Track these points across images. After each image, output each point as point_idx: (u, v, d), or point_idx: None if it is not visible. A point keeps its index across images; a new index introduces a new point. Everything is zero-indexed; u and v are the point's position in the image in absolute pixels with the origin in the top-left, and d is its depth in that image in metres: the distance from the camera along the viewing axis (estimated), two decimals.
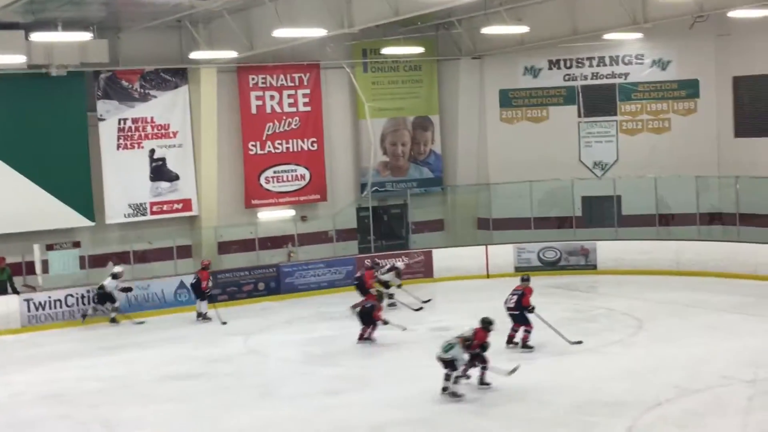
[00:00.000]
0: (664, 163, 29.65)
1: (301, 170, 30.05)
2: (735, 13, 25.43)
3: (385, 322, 21.37)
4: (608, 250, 28.75)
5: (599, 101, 30.97)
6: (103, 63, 26.12)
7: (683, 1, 24.08)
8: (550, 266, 28.93)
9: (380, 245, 30.22)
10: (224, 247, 28.81)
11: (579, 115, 31.13)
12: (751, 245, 26.85)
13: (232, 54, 25.09)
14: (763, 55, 28.52)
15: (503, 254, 29.06)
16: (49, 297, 25.03)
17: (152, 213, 27.82)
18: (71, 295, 25.19)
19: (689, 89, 30.31)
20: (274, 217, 29.71)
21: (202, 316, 24.90)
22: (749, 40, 28.66)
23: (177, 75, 27.93)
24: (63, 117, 26.44)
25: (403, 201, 31.50)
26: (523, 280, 20.63)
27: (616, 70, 30.75)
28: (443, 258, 29.19)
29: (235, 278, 27.15)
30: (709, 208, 29.06)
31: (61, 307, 25.03)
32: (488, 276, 28.80)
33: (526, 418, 15.80)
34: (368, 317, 21.36)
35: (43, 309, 24.84)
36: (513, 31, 27.17)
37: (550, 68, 31.24)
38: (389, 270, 25.67)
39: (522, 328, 20.14)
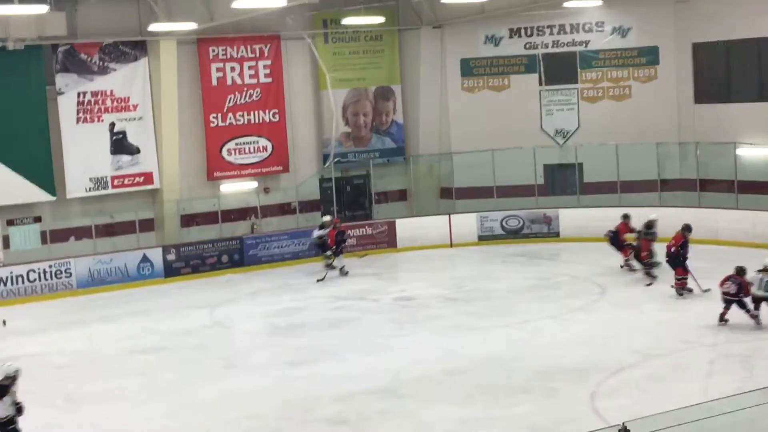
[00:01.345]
0: (625, 130, 29.80)
1: (263, 142, 29.95)
2: None
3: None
4: (570, 217, 28.94)
5: (560, 69, 31.02)
6: (61, 36, 25.82)
7: None
8: (513, 234, 29.08)
9: (343, 216, 30.23)
10: (187, 220, 28.70)
11: (540, 84, 31.18)
12: (712, 210, 27.10)
13: (191, 25, 24.88)
14: (721, 21, 28.64)
15: (466, 223, 29.16)
16: (11, 272, 24.87)
17: (113, 187, 27.61)
18: (33, 271, 25.04)
19: (649, 56, 30.43)
20: (236, 189, 29.61)
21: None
22: (708, 6, 28.80)
23: (136, 47, 27.68)
24: (21, 91, 26.14)
25: (365, 172, 31.50)
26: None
27: (576, 38, 30.82)
28: (406, 228, 29.24)
29: (199, 251, 27.06)
30: (669, 174, 29.25)
31: (23, 282, 24.87)
32: (451, 245, 28.90)
33: (489, 384, 15.92)
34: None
35: (5, 285, 24.67)
36: (473, 0, 27.17)
37: (510, 37, 31.24)
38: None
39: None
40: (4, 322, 22.01)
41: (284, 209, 30.28)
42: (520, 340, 18.56)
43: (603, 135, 29.86)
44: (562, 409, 14.47)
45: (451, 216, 29.55)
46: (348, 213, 30.91)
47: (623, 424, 6.05)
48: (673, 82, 30.16)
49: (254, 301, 23.99)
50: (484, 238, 29.10)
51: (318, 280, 24.89)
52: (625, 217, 24.46)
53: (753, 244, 25.31)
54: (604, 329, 18.92)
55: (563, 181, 30.59)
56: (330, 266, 25.56)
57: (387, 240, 29.09)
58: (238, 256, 27.52)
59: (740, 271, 18.35)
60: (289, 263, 27.71)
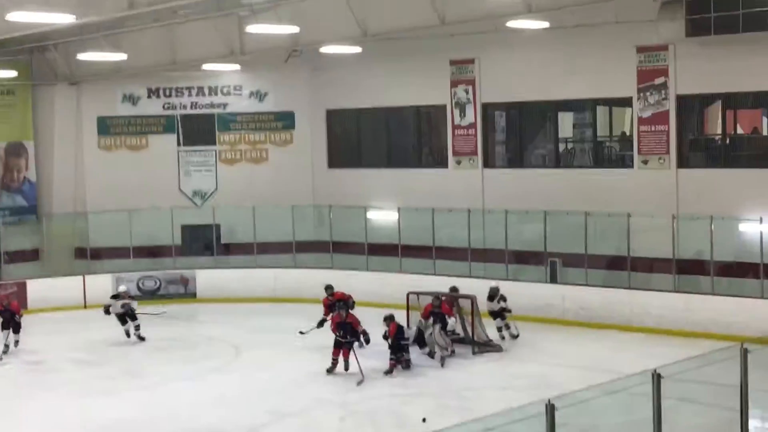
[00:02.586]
0: (263, 192, 30.31)
1: None
2: (326, 49, 26.66)
3: None
4: (208, 278, 28.99)
5: (199, 131, 31.17)
6: None
7: (278, 35, 24.81)
8: (150, 295, 28.68)
9: None
10: None
11: (179, 144, 31.17)
12: (343, 272, 27.94)
13: None
14: (351, 89, 29.97)
15: (101, 284, 28.37)
16: None
17: None
18: None
19: (285, 121, 31.26)
20: None
21: None
22: (341, 76, 30.02)
23: None
24: None
25: None
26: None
27: (215, 100, 31.14)
28: (38, 289, 28.07)
29: None
30: (304, 236, 30.00)
31: None
32: (86, 306, 28.07)
33: None
34: None
35: None
36: (110, 58, 26.84)
37: (149, 96, 31.06)
38: None
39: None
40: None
41: None
42: (155, 403, 18.29)
43: (241, 197, 30.23)
44: None
45: (86, 276, 28.76)
46: None
47: None
48: (308, 146, 31.13)
49: None
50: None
51: None
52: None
53: (383, 305, 26.32)
54: (238, 389, 19.02)
55: (201, 241, 30.61)
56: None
57: (18, 300, 27.74)
58: None
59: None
60: None
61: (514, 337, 22.39)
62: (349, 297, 22.54)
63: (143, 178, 30.59)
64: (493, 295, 22.46)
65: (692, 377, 13.56)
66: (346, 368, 19.69)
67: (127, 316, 23.82)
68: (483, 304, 22.15)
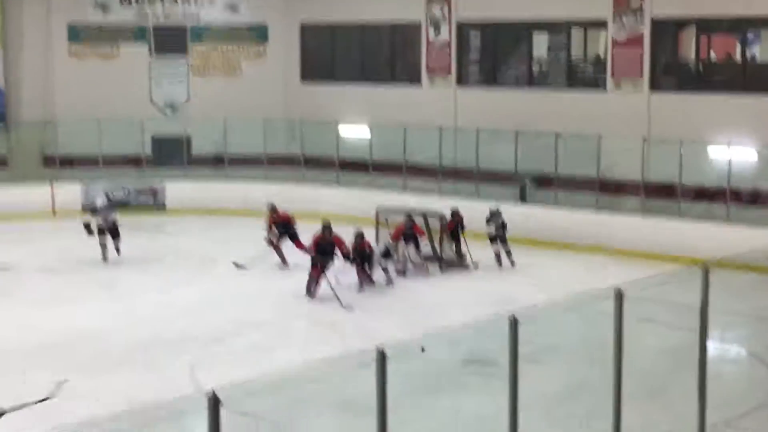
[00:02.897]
0: (234, 105, 30.10)
1: None
2: None
3: None
4: (178, 190, 28.90)
5: (171, 41, 30.84)
6: None
7: None
8: (119, 205, 28.52)
9: None
10: None
11: (150, 54, 30.86)
12: (314, 186, 28.05)
13: None
14: (326, 4, 29.70)
15: (70, 192, 28.30)
16: None
17: None
18: None
19: (258, 33, 30.97)
20: None
21: None
22: None
23: None
24: None
25: None
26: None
27: (187, 10, 30.74)
28: (5, 196, 27.90)
29: None
30: (276, 150, 29.92)
31: None
32: (54, 214, 27.98)
33: (88, 357, 15.64)
34: None
35: None
36: None
37: (121, 3, 30.63)
38: None
39: None
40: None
41: None
42: (123, 313, 18.34)
43: (212, 109, 29.99)
44: (161, 380, 14.49)
45: (54, 185, 28.59)
46: None
47: (212, 391, 6.18)
48: (281, 60, 30.91)
49: None
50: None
51: None
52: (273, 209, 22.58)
53: (352, 218, 26.47)
54: (206, 300, 19.11)
55: (171, 153, 30.45)
56: None
57: None
58: None
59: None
60: None
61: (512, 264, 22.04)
62: (292, 218, 22.32)
63: (114, 87, 30.30)
64: (488, 217, 22.10)
65: (654, 297, 13.79)
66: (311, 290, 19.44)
67: (109, 231, 22.61)
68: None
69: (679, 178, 22.95)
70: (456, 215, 22.09)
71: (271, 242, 21.95)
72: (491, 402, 13.36)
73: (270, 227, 22.10)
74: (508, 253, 21.84)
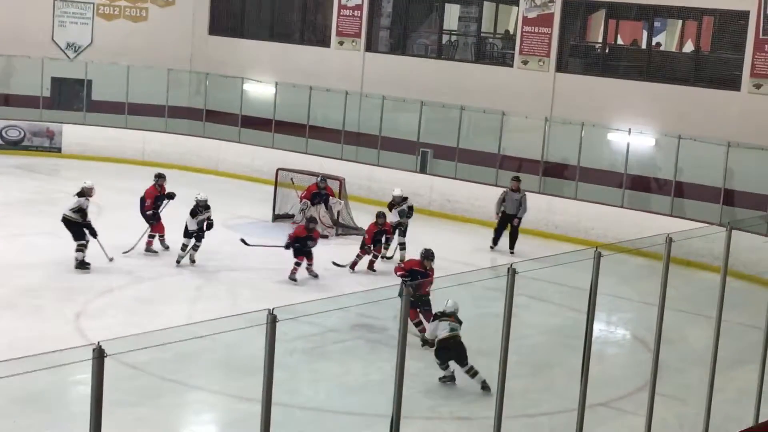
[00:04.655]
0: (139, 52, 29.56)
1: None
2: None
3: None
4: (75, 134, 28.34)
5: None
6: None
7: None
8: (13, 145, 27.95)
9: None
10: None
11: None
12: (215, 141, 27.80)
13: None
14: None
15: None
16: None
17: None
18: None
19: None
20: None
21: None
22: None
23: None
24: None
25: None
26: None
27: None
28: None
29: None
30: (178, 101, 29.53)
31: None
32: None
33: None
34: None
35: None
36: None
37: None
38: None
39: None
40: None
41: None
42: (11, 255, 17.94)
43: (116, 54, 29.41)
44: (45, 327, 14.26)
45: None
46: None
47: (98, 343, 6.07)
48: (190, 9, 30.44)
49: None
50: None
51: None
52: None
53: (251, 178, 26.35)
54: (97, 248, 18.67)
55: (71, 96, 29.81)
56: None
57: None
58: None
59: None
60: None
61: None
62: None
63: (15, 23, 29.43)
64: (392, 204, 20.07)
65: (546, 277, 14.00)
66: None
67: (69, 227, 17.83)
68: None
69: (578, 159, 23.26)
70: (382, 216, 19.17)
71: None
72: (378, 368, 13.50)
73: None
74: (402, 246, 19.63)
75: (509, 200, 21.05)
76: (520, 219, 21.03)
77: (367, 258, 18.77)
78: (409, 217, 19.88)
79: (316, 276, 17.94)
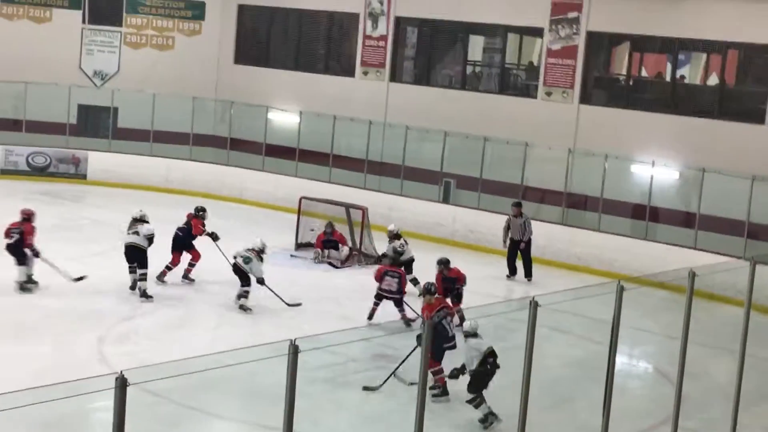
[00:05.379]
0: (165, 80, 29.81)
1: None
2: None
3: None
4: (100, 161, 28.53)
5: (105, 10, 30.42)
6: None
7: None
8: (39, 172, 28.17)
9: None
10: None
11: (84, 21, 30.39)
12: (239, 169, 27.93)
13: None
14: None
15: None
16: None
17: None
18: None
19: (195, 10, 30.69)
20: None
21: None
22: None
23: None
24: None
25: None
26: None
27: None
28: None
29: None
30: (203, 130, 29.70)
31: None
32: None
33: (8, 322, 15.38)
34: None
35: None
36: None
37: None
38: None
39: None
40: None
41: None
42: (35, 279, 18.02)
43: (142, 82, 29.68)
44: (68, 353, 14.32)
45: None
46: None
47: (121, 372, 6.11)
48: (216, 39, 30.68)
49: None
50: (8, 173, 27.94)
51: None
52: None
53: (275, 206, 26.43)
54: (121, 275, 18.83)
55: (97, 123, 30.06)
56: None
57: None
58: None
59: (399, 262, 17.91)
60: None
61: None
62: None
63: (44, 51, 29.75)
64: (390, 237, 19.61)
65: (567, 308, 13.95)
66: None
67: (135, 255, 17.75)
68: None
69: (600, 191, 23.22)
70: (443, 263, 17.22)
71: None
72: (397, 399, 13.48)
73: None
74: (414, 282, 18.57)
75: (513, 226, 21.15)
76: (527, 243, 21.06)
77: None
78: (400, 254, 18.74)
79: (408, 323, 16.53)
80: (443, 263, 17.02)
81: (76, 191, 27.33)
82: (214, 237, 19.14)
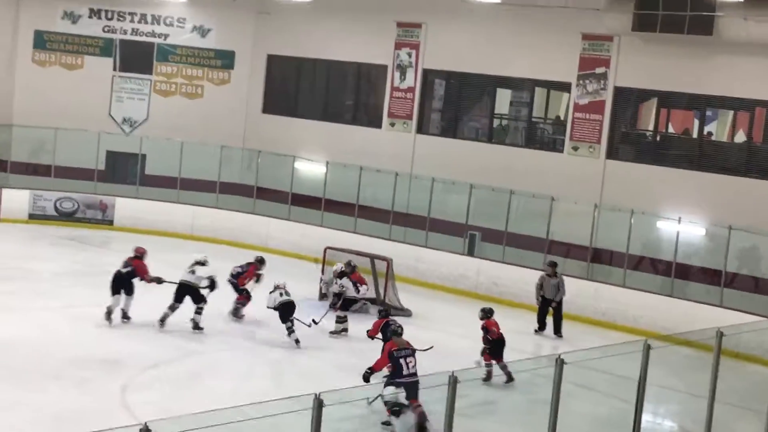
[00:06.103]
0: (193, 128, 30.04)
1: None
2: None
3: None
4: (127, 207, 28.73)
5: (136, 58, 30.75)
6: None
7: None
8: (67, 217, 28.37)
9: None
10: None
11: (114, 69, 30.72)
12: (264, 218, 28.02)
13: None
14: (295, 38, 29.77)
15: (18, 199, 28.04)
16: None
17: None
18: None
19: (225, 60, 30.96)
20: None
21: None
22: (286, 22, 29.85)
23: None
24: None
25: None
26: None
27: (157, 30, 30.69)
28: None
29: None
30: (230, 178, 29.85)
31: None
32: (0, 220, 27.66)
33: (18, 368, 15.37)
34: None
35: None
36: None
37: (90, 16, 30.51)
38: None
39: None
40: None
41: None
42: (60, 326, 18.10)
43: (171, 130, 29.92)
44: (91, 400, 14.29)
45: (3, 190, 28.28)
46: None
47: (145, 424, 6.11)
48: (244, 88, 30.92)
49: None
50: (35, 217, 28.16)
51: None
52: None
53: (300, 255, 26.42)
54: (145, 323, 18.87)
55: (125, 170, 30.28)
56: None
57: None
58: None
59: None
60: None
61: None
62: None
63: (74, 98, 30.11)
64: (339, 273, 20.44)
65: (594, 366, 13.85)
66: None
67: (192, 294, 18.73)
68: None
69: (626, 247, 23.14)
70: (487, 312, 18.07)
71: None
72: None
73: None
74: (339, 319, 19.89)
75: (547, 286, 21.11)
76: (558, 302, 21.02)
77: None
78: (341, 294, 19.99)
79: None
80: (486, 311, 17.69)
81: (102, 237, 27.48)
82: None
